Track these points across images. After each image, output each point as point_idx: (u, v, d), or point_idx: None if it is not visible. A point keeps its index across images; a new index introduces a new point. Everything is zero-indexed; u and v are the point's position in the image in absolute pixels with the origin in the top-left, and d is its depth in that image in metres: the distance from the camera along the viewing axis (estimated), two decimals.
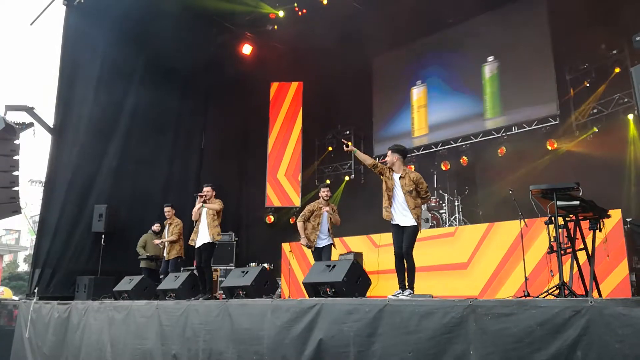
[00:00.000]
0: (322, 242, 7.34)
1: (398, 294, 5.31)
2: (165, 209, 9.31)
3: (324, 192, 7.45)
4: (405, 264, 5.41)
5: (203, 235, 7.44)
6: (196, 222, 7.63)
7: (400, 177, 5.54)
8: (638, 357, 3.02)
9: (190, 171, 12.62)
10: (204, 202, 7.55)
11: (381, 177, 5.70)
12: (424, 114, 12.14)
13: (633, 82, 6.08)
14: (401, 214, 5.45)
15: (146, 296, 7.98)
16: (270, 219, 13.29)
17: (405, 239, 5.39)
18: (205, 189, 7.67)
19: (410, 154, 12.09)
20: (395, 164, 5.59)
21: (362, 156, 5.85)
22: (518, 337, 3.50)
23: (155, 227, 10.03)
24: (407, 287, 5.35)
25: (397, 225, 5.48)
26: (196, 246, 7.51)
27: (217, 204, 7.54)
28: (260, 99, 13.70)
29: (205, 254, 7.42)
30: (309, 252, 8.06)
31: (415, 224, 5.40)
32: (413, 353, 4.02)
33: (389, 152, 5.66)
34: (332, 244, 7.45)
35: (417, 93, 12.35)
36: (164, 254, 9.16)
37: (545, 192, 4.49)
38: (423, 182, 5.60)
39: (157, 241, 9.41)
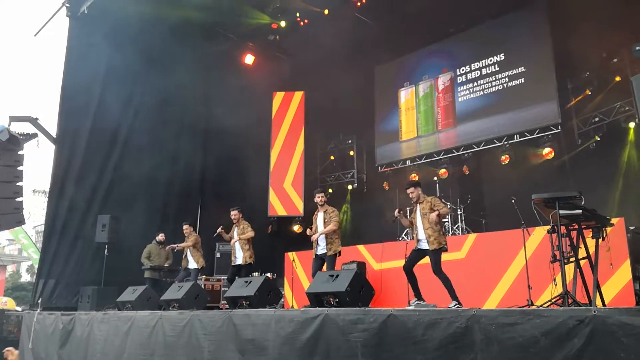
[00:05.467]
0: (319, 250, 7.00)
1: (415, 302, 5.80)
2: (185, 227, 9.49)
3: (317, 198, 7.16)
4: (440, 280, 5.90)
5: (239, 255, 8.21)
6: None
7: (419, 203, 6.18)
8: None
9: (193, 181, 12.64)
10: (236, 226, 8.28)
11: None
12: (430, 115, 12.19)
13: (633, 91, 6.14)
14: (423, 237, 6.03)
15: (150, 306, 7.98)
16: (270, 228, 13.28)
17: (431, 263, 5.86)
18: (232, 212, 8.31)
19: (413, 163, 12.15)
20: (420, 196, 6.20)
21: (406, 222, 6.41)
22: (524, 347, 3.51)
23: (160, 237, 10.07)
24: (452, 299, 5.71)
25: (419, 249, 6.04)
26: (236, 263, 8.24)
27: (250, 232, 8.15)
28: (262, 109, 13.75)
29: (244, 273, 8.11)
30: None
31: (435, 247, 5.85)
32: None
33: (412, 188, 6.24)
34: (325, 253, 6.91)
35: (408, 94, 12.43)
36: (191, 263, 9.28)
37: (548, 201, 4.50)
38: (437, 201, 6.18)
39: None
